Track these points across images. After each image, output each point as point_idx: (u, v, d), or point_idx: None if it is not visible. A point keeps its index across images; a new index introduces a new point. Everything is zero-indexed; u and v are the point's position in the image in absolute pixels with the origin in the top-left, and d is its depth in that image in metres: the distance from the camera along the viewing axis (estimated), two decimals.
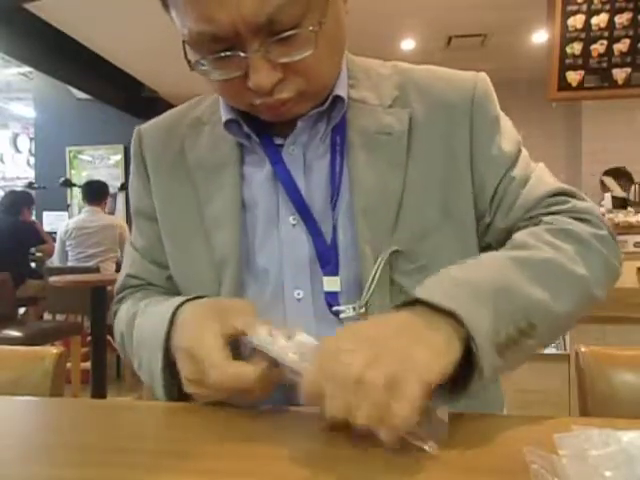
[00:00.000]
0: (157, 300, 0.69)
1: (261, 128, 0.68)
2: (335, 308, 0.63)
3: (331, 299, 0.64)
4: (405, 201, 0.64)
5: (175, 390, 0.60)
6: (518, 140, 0.70)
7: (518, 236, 0.62)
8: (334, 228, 0.65)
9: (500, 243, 0.66)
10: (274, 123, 0.66)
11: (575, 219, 0.63)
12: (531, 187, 0.66)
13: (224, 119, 0.67)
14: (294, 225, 0.66)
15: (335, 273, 0.65)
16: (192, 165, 0.71)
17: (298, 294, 0.65)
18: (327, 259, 0.65)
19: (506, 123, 0.70)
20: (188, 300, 0.62)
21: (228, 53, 0.56)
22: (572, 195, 0.67)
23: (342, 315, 0.63)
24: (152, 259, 0.75)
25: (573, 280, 0.57)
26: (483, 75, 0.70)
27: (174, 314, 0.60)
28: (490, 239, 0.69)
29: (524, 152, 0.70)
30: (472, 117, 0.67)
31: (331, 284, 0.64)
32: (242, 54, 0.56)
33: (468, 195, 0.67)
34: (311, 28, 0.55)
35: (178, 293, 0.71)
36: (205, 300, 0.62)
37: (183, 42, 0.59)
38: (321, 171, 0.67)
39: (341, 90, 0.66)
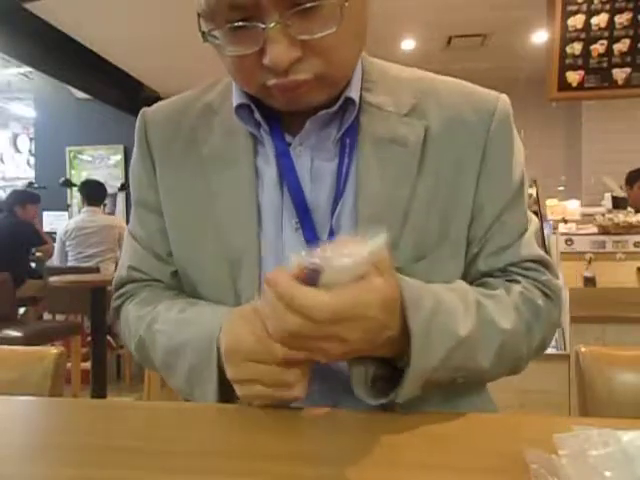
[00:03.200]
0: (183, 307, 0.65)
1: (272, 121, 0.65)
2: None
3: None
4: (410, 216, 0.62)
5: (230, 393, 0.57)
6: (523, 169, 0.69)
7: (495, 284, 0.65)
8: (331, 233, 0.63)
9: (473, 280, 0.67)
10: (284, 118, 0.64)
11: (544, 295, 0.65)
12: (523, 244, 0.66)
13: (235, 103, 0.64)
14: (297, 229, 0.64)
15: None
16: (206, 157, 0.68)
17: None
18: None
19: (519, 148, 0.69)
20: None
21: (245, 23, 0.53)
22: (549, 267, 0.68)
23: None
24: (153, 252, 0.72)
25: (515, 358, 0.63)
26: (504, 98, 0.69)
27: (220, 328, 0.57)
28: (467, 276, 0.67)
29: (525, 184, 0.69)
30: (487, 139, 0.66)
31: None
32: (260, 25, 0.52)
33: (467, 216, 0.65)
34: (336, 1, 0.52)
35: (184, 289, 0.70)
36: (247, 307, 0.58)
37: (198, 15, 0.56)
38: (328, 176, 0.65)
39: (353, 92, 0.63)
